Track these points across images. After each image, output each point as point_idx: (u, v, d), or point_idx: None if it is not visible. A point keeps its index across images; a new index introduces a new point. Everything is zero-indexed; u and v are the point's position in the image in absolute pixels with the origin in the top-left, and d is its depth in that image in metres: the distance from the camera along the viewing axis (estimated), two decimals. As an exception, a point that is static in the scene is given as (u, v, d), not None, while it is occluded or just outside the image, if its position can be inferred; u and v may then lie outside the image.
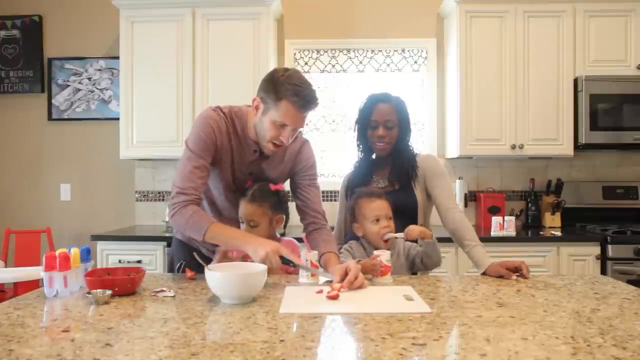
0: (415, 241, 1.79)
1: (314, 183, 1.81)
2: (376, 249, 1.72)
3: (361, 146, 2.00)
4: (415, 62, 3.60)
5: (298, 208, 1.81)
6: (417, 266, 1.78)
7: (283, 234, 1.78)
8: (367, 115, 1.93)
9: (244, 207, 1.68)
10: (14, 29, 3.64)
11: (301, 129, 1.70)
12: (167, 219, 3.38)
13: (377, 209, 1.74)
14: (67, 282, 1.39)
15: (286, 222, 1.79)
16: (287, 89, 1.53)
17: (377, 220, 1.73)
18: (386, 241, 1.72)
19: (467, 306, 1.29)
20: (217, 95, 3.15)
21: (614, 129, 3.13)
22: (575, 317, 1.18)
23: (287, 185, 1.86)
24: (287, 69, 1.61)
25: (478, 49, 3.19)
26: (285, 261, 1.50)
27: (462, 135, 3.19)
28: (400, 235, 1.71)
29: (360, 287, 1.47)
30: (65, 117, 3.64)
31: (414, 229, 1.70)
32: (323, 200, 1.86)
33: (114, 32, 3.43)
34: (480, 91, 3.19)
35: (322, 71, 3.61)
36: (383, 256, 1.59)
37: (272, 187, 1.71)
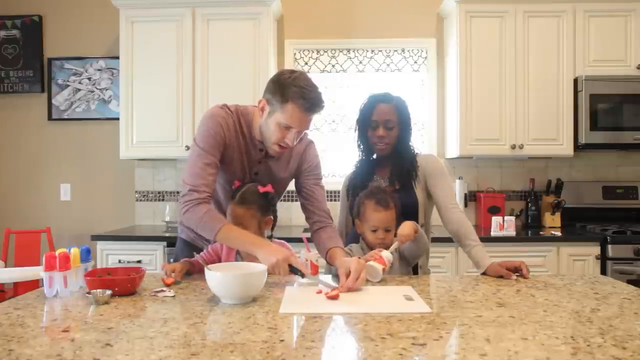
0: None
1: (319, 183, 1.82)
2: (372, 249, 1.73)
3: (362, 146, 1.99)
4: (415, 62, 3.60)
5: (303, 207, 1.81)
6: (408, 257, 1.76)
7: (270, 237, 1.78)
8: (367, 115, 1.92)
9: (233, 210, 1.66)
10: (14, 29, 3.64)
11: (307, 131, 1.70)
12: (167, 219, 3.39)
13: (378, 220, 1.72)
14: (67, 282, 1.39)
15: (274, 224, 1.77)
16: (294, 92, 1.53)
17: (375, 230, 1.73)
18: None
19: (467, 306, 1.29)
20: (217, 95, 3.15)
21: (614, 129, 3.13)
22: (575, 317, 1.18)
23: (291, 185, 1.86)
24: (293, 71, 1.60)
25: (478, 49, 3.19)
26: (293, 270, 1.48)
27: (462, 135, 3.19)
28: (389, 257, 1.62)
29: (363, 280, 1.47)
30: (65, 117, 3.64)
31: (408, 235, 1.64)
32: (323, 200, 1.86)
33: (114, 32, 3.43)
34: (480, 91, 3.19)
35: (322, 71, 3.61)
36: (384, 252, 1.60)
37: (261, 189, 1.69)
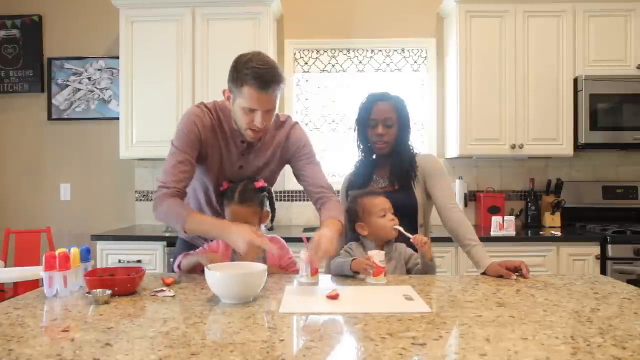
0: (416, 251, 1.78)
1: (312, 161, 1.80)
2: (383, 244, 1.73)
3: (361, 146, 1.99)
4: (415, 62, 3.60)
5: (305, 189, 1.81)
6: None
7: (271, 229, 1.79)
8: (366, 114, 1.93)
9: (235, 211, 1.66)
10: (14, 29, 3.65)
11: (290, 115, 1.70)
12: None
13: (382, 204, 1.75)
14: (67, 282, 1.39)
15: (273, 216, 1.80)
16: (246, 74, 1.53)
17: (384, 214, 1.74)
18: (395, 230, 1.72)
19: (467, 306, 1.29)
20: (217, 95, 3.10)
21: (614, 129, 3.13)
22: (575, 317, 1.18)
23: (290, 185, 1.86)
24: (247, 54, 1.59)
25: (478, 49, 3.19)
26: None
27: (462, 135, 3.19)
28: (408, 235, 1.69)
29: (325, 253, 1.50)
30: (65, 117, 3.64)
31: (423, 239, 1.68)
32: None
33: (114, 32, 3.43)
34: (480, 91, 3.19)
35: (322, 71, 3.61)
36: (376, 257, 1.58)
37: (257, 184, 1.72)
